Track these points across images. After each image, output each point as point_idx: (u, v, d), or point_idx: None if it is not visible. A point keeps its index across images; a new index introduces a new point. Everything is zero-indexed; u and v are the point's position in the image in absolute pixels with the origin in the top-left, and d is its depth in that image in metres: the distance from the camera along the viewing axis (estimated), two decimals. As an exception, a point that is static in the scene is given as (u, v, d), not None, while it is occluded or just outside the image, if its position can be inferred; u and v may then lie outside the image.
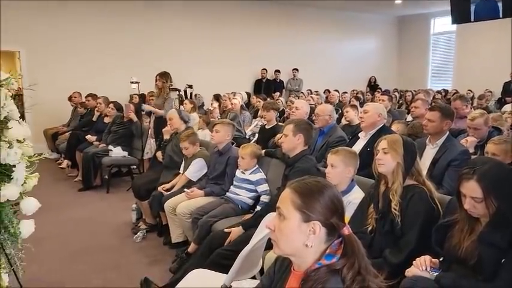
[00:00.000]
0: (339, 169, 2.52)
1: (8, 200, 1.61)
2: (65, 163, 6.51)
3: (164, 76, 5.51)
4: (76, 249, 3.75)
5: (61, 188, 5.80)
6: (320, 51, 11.99)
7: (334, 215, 1.20)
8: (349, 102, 7.60)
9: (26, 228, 1.73)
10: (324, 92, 9.70)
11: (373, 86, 12.37)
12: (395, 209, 2.08)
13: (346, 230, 1.20)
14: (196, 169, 3.89)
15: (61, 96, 7.64)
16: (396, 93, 9.86)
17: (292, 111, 4.65)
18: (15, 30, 7.24)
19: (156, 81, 5.62)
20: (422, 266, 1.85)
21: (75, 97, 7.65)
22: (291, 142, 2.97)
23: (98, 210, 4.92)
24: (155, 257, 3.64)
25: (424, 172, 2.42)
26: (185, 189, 3.69)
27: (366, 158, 2.72)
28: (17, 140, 1.67)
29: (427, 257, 1.87)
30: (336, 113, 5.14)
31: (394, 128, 4.18)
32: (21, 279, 1.85)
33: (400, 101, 9.49)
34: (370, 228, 2.19)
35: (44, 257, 3.34)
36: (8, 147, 1.60)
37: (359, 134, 3.71)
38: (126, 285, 3.11)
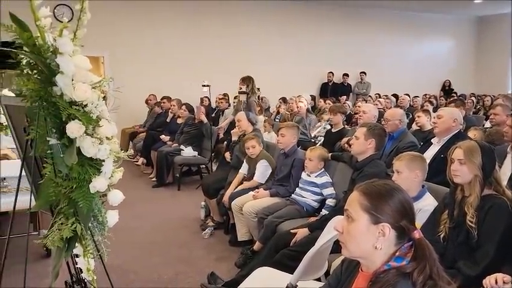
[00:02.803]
0: (404, 174, 2.45)
1: (97, 191, 1.78)
2: (141, 161, 6.96)
3: (246, 80, 5.66)
4: (149, 242, 4.00)
5: (137, 184, 6.21)
6: (389, 53, 11.62)
7: (404, 218, 1.20)
8: (421, 106, 7.29)
9: (112, 217, 1.89)
10: (393, 95, 9.38)
11: (447, 91, 11.74)
12: (471, 222, 1.99)
13: (417, 234, 1.19)
14: (263, 171, 3.98)
15: (138, 98, 8.17)
16: (473, 98, 9.27)
17: (360, 116, 4.58)
18: (100, 37, 7.87)
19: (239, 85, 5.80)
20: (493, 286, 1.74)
21: (150, 99, 8.17)
22: (362, 146, 2.94)
23: (169, 206, 5.21)
24: (221, 253, 3.77)
25: (505, 182, 2.28)
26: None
27: (440, 165, 2.62)
28: (106, 137, 1.84)
29: (499, 276, 1.76)
30: (407, 118, 4.97)
31: (470, 134, 3.95)
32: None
33: (478, 106, 8.91)
34: (442, 235, 2.11)
35: (121, 247, 3.61)
36: (99, 144, 1.76)
37: (432, 140, 3.57)
38: (195, 278, 3.26)
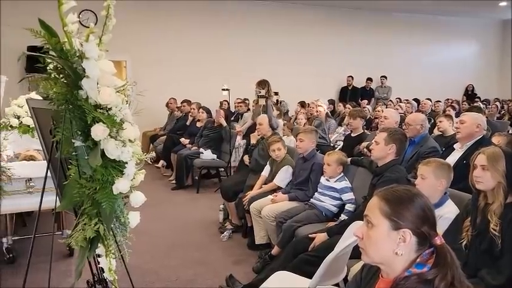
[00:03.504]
0: (429, 181, 2.41)
1: (120, 192, 1.82)
2: (161, 163, 7.05)
3: (262, 84, 5.70)
4: (169, 244, 4.05)
5: (156, 187, 6.29)
6: (410, 57, 11.47)
7: (425, 224, 1.18)
8: (444, 111, 7.17)
9: (134, 218, 1.93)
10: (414, 100, 9.25)
11: (470, 95, 11.50)
12: (495, 230, 1.95)
13: (439, 240, 1.18)
14: (285, 176, 3.97)
15: (159, 101, 8.28)
16: (497, 103, 9.07)
17: (381, 121, 4.54)
18: (122, 41, 8.03)
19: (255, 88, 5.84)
20: None
21: (171, 103, 8.28)
22: (382, 151, 2.91)
23: (188, 209, 5.26)
24: (240, 256, 3.79)
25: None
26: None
27: (462, 171, 2.56)
28: (129, 140, 1.88)
29: None
30: (428, 123, 4.90)
31: (494, 140, 3.86)
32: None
33: (502, 112, 8.71)
34: (464, 243, 2.07)
35: (141, 248, 3.65)
36: (122, 146, 1.80)
37: (454, 145, 3.51)
38: (213, 280, 3.28)
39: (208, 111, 6.84)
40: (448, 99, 9.98)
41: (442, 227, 2.24)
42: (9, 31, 7.74)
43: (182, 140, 6.78)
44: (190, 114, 7.24)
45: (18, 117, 3.89)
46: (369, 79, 10.90)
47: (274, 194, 3.79)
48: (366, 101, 10.03)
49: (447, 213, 2.34)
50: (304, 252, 2.84)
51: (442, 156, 3.33)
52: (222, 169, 6.38)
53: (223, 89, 6.07)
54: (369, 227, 1.24)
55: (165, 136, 7.39)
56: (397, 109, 7.09)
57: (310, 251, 2.84)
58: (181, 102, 7.81)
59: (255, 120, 5.30)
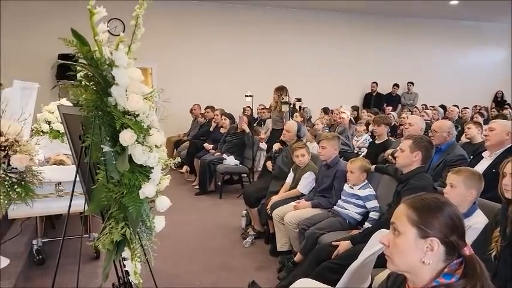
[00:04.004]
0: (458, 190, 2.35)
1: (146, 197, 1.85)
2: (184, 168, 7.13)
3: (279, 90, 5.74)
4: (192, 248, 4.09)
5: (180, 192, 6.36)
6: (437, 63, 11.27)
7: (454, 234, 1.16)
8: (471, 118, 7.00)
9: (159, 223, 1.97)
10: (440, 107, 9.07)
11: (500, 102, 11.17)
12: (526, 240, 1.89)
13: (467, 250, 1.15)
14: (308, 183, 3.96)
15: (183, 107, 8.40)
16: (529, 110, 8.79)
17: (406, 128, 4.47)
18: (149, 49, 8.21)
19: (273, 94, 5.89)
20: None
21: (195, 109, 8.39)
22: (407, 158, 2.86)
23: (211, 214, 5.29)
24: (262, 262, 3.79)
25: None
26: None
27: (491, 180, 2.49)
28: (156, 146, 1.91)
29: None
30: (455, 130, 4.79)
31: (525, 148, 3.75)
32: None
33: (534, 119, 8.41)
34: (493, 254, 2.01)
35: (165, 252, 3.69)
36: (149, 152, 1.84)
37: (483, 154, 3.42)
38: (236, 286, 3.29)
39: (231, 118, 6.91)
40: (476, 106, 9.75)
41: (470, 237, 2.18)
42: (40, 39, 8.03)
43: (205, 145, 6.85)
44: (213, 120, 7.31)
45: (49, 123, 4.02)
46: (396, 85, 10.74)
47: (297, 200, 3.78)
48: (390, 108, 9.89)
49: (476, 223, 2.28)
50: (327, 259, 2.81)
51: (470, 165, 3.26)
52: (245, 175, 6.40)
53: (247, 96, 6.12)
54: (396, 235, 1.22)
55: (189, 142, 7.48)
56: (422, 116, 6.97)
57: (334, 258, 2.81)
58: (205, 109, 7.90)
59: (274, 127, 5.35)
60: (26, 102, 3.33)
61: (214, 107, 7.60)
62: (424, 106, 9.57)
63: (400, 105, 10.73)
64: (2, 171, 2.24)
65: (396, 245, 1.21)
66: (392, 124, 6.85)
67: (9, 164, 2.29)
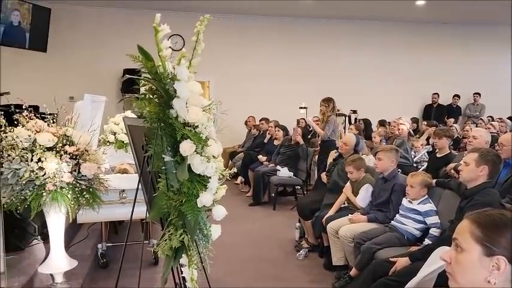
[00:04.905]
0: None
1: (204, 205, 1.92)
2: (239, 179, 7.25)
3: (327, 101, 5.72)
4: (246, 258, 4.13)
5: (235, 202, 6.45)
6: (505, 72, 10.58)
7: None
8: (544, 131, 6.49)
9: (215, 231, 2.02)
10: (509, 119, 8.48)
11: None
12: None
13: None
14: (365, 195, 3.87)
15: (238, 118, 8.57)
16: None
17: (469, 141, 4.24)
18: (206, 63, 8.50)
19: (320, 106, 5.88)
20: None
21: (249, 121, 8.53)
22: (472, 172, 2.71)
23: (265, 225, 5.32)
24: (316, 276, 3.74)
25: None
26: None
27: None
28: (213, 156, 1.98)
29: None
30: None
31: None
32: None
33: None
34: None
35: (220, 261, 3.73)
36: (207, 162, 1.90)
37: (557, 169, 3.16)
38: (289, 299, 3.28)
39: (284, 129, 6.94)
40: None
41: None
42: (106, 56, 8.59)
43: (260, 157, 6.92)
44: (268, 132, 7.38)
45: (115, 134, 4.27)
46: (456, 96, 10.23)
47: (354, 214, 3.70)
48: (452, 120, 9.42)
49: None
50: (384, 276, 2.72)
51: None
52: (299, 187, 6.37)
53: (301, 107, 6.13)
54: (458, 251, 1.17)
55: (243, 153, 7.60)
56: (488, 128, 6.56)
57: (391, 275, 2.71)
58: (260, 120, 8.00)
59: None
60: (94, 114, 3.58)
61: (268, 119, 7.68)
62: (490, 118, 9.01)
63: (460, 117, 10.19)
64: (73, 179, 2.41)
65: (458, 261, 1.17)
66: (455, 137, 6.52)
67: (79, 172, 2.46)
